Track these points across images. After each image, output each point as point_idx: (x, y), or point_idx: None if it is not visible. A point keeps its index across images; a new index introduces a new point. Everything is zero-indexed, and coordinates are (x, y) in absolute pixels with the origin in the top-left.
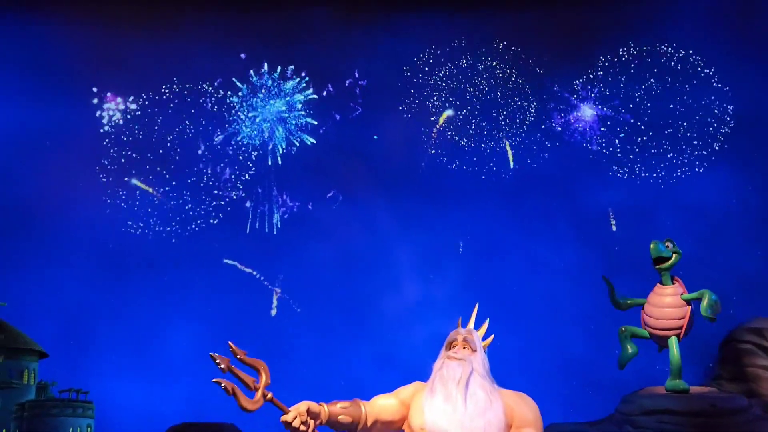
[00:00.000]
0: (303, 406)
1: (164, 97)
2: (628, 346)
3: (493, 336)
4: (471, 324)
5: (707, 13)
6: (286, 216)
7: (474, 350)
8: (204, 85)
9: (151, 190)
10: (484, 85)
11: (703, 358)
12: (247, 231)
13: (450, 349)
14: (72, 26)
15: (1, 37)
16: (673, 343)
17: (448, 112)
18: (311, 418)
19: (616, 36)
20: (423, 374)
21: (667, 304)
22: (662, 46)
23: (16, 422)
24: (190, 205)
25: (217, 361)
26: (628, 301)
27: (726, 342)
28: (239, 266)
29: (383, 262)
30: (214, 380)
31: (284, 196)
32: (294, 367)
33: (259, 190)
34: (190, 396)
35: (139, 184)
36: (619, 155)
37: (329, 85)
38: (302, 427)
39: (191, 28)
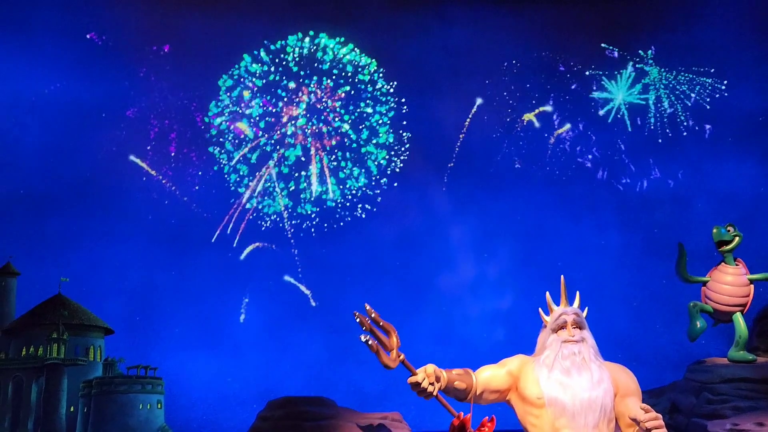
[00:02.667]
0: (430, 368)
1: (216, 73)
2: (698, 321)
3: (587, 308)
4: (563, 301)
5: (738, 15)
6: (347, 196)
7: (583, 328)
8: (255, 65)
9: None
10: (531, 74)
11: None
12: (308, 211)
13: (561, 329)
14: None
15: (57, 11)
16: (739, 318)
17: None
18: (435, 381)
19: (655, 31)
20: (479, 348)
21: (729, 282)
22: (698, 44)
23: (83, 399)
24: (248, 178)
25: (359, 320)
26: (694, 278)
27: (761, 317)
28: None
29: (439, 242)
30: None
31: (343, 177)
32: (354, 342)
33: (317, 171)
34: (258, 370)
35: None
36: (658, 145)
37: (382, 69)
38: (429, 388)
39: (245, 4)
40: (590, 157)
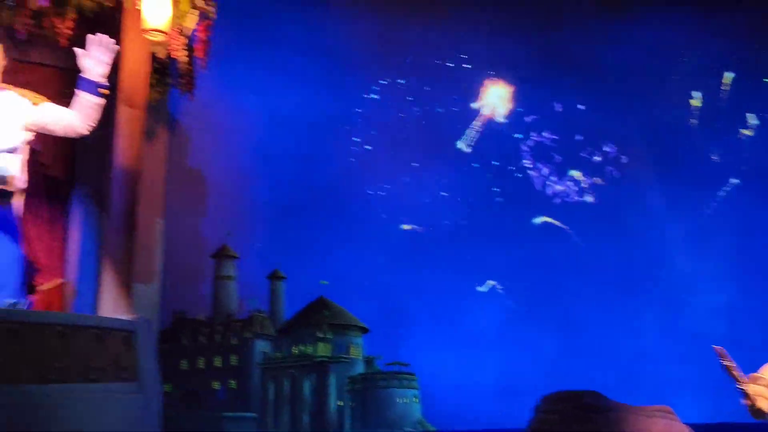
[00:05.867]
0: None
1: (440, 80)
2: None
3: None
4: None
5: None
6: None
7: None
8: (469, 66)
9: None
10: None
11: None
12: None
13: None
14: (354, 15)
15: (301, 30)
16: None
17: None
18: None
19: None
20: (706, 342)
21: None
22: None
23: (350, 394)
24: (458, 171)
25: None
26: None
27: None
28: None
29: (655, 239)
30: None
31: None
32: (585, 340)
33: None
34: (502, 365)
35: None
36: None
37: None
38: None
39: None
40: None
